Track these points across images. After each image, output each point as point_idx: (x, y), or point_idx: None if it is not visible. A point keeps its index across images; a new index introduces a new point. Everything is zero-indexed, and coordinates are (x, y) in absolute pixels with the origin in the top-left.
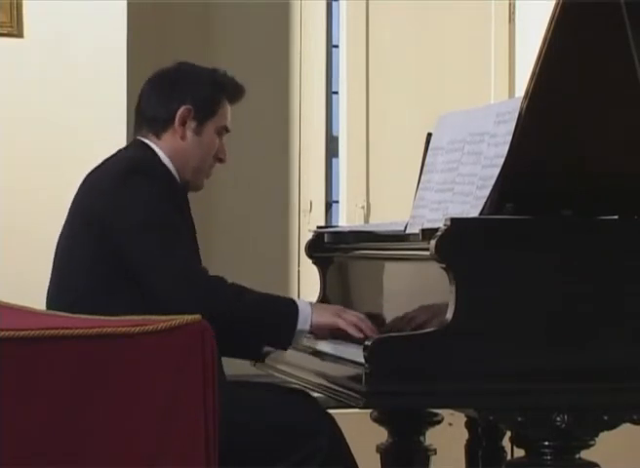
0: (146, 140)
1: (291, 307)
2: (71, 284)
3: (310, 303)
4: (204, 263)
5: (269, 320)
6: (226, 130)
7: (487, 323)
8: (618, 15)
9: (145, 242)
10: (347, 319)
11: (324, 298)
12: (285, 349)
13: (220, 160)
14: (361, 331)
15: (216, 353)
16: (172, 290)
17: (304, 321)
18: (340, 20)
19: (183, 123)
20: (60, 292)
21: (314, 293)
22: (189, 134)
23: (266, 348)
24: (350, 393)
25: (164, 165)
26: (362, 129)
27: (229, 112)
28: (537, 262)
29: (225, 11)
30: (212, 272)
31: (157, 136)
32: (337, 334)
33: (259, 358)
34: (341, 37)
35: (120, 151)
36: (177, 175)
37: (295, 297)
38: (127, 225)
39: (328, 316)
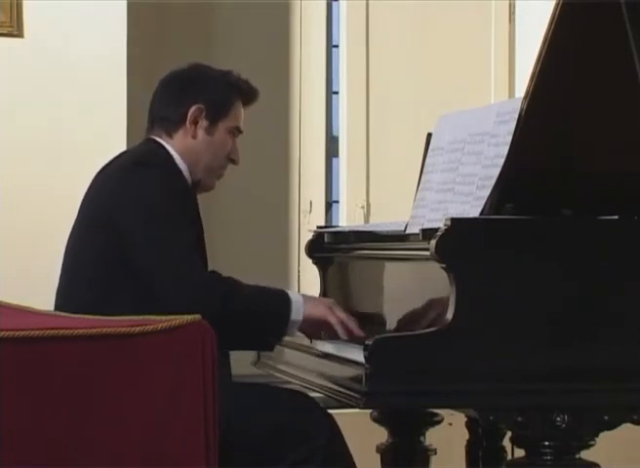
0: (158, 139)
1: (283, 299)
2: (79, 284)
3: (302, 295)
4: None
5: (262, 316)
6: (239, 131)
7: (487, 323)
8: (618, 15)
9: (145, 239)
10: (337, 315)
11: None
12: (278, 343)
13: (233, 161)
14: (349, 330)
15: (216, 353)
16: (167, 289)
17: (297, 311)
18: (340, 20)
19: (195, 122)
20: (69, 293)
21: (314, 294)
22: (201, 133)
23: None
24: (350, 393)
25: (172, 159)
26: (362, 129)
27: (242, 114)
28: (537, 262)
29: (225, 11)
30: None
31: (169, 135)
32: (324, 330)
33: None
34: (341, 37)
35: (130, 149)
36: (188, 174)
37: (286, 289)
38: (129, 220)
39: (320, 308)
